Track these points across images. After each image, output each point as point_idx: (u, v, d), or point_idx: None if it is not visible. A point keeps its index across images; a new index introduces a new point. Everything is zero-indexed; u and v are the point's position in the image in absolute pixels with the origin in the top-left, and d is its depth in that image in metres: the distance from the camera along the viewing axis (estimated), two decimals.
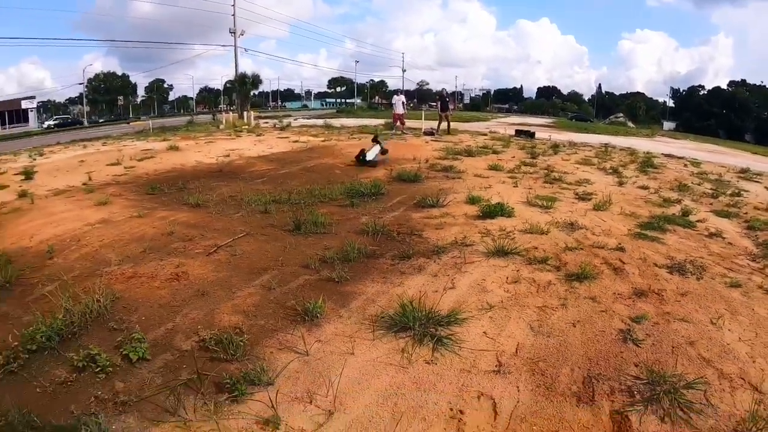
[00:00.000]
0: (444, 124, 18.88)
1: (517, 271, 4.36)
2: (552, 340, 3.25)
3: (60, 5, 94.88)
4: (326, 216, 5.97)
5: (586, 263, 4.47)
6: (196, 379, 2.84)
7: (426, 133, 18.15)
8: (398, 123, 18.82)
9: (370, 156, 10.48)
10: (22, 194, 8.81)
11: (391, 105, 23.98)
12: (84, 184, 9.60)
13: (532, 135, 19.14)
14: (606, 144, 17.20)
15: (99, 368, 2.98)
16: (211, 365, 3.01)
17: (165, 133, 23.27)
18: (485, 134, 19.69)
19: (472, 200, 6.77)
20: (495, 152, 13.21)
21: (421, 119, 20.88)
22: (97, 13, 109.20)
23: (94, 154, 14.84)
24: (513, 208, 6.29)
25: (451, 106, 21.73)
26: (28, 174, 11.04)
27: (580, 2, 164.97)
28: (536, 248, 4.94)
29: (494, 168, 10.08)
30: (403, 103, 19.71)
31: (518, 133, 20.04)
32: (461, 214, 6.19)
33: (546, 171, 10.02)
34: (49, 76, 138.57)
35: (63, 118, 67.78)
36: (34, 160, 15.27)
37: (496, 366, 2.96)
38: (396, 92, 25.12)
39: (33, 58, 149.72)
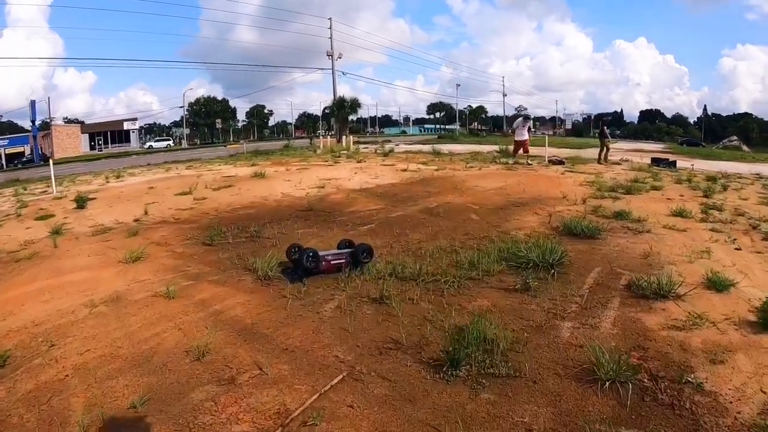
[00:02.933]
0: (601, 153, 17.05)
1: None
2: None
3: (167, 30, 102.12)
4: (495, 324, 3.51)
5: None
6: None
7: (553, 162, 15.65)
8: (521, 151, 16.28)
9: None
10: (55, 231, 7.74)
11: (511, 128, 21.47)
12: (135, 220, 8.40)
13: (673, 164, 16.28)
14: (758, 174, 14.79)
15: None
16: None
17: (256, 157, 22.59)
18: (619, 163, 16.85)
19: (715, 285, 4.24)
20: (654, 188, 10.45)
21: (544, 145, 18.23)
22: (201, 37, 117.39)
23: (169, 179, 14.20)
24: None
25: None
26: (81, 202, 10.20)
27: (677, 18, 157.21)
28: None
29: (679, 214, 7.39)
30: (529, 129, 17.29)
31: (655, 161, 17.21)
32: (722, 318, 3.66)
33: (748, 220, 7.26)
34: (156, 100, 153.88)
35: (164, 140, 71.50)
36: (107, 182, 15.33)
37: None
38: (521, 116, 21.22)
39: (141, 84, 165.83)
